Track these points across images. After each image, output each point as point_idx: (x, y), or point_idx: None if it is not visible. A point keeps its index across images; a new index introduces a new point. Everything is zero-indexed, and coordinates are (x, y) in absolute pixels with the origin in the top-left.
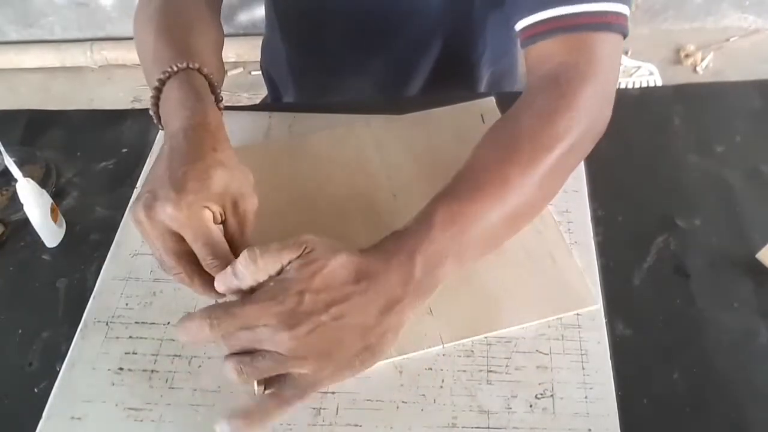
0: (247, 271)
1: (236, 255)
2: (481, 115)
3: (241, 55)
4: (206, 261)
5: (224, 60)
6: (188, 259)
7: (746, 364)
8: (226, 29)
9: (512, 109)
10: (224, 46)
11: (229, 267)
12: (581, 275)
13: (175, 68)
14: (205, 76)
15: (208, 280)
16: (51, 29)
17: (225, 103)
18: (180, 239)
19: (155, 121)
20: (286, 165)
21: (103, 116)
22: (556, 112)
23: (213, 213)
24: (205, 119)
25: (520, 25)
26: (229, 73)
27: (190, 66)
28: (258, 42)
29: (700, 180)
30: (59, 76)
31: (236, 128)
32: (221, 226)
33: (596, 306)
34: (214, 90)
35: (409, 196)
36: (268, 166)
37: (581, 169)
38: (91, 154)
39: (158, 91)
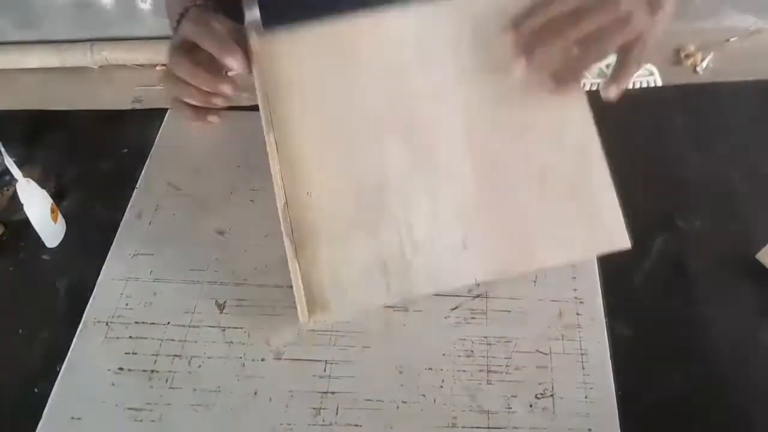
0: None
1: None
2: None
3: None
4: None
5: None
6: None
7: (746, 364)
8: None
9: None
10: None
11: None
12: (618, 212)
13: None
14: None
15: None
16: (51, 30)
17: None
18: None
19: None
20: (311, 71)
21: (103, 116)
22: None
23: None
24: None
25: None
26: (228, 74)
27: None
28: None
29: (700, 180)
30: (59, 77)
31: (236, 128)
32: None
33: (625, 245)
34: None
35: (452, 103)
36: (294, 71)
37: None
38: (91, 154)
39: (178, 23)
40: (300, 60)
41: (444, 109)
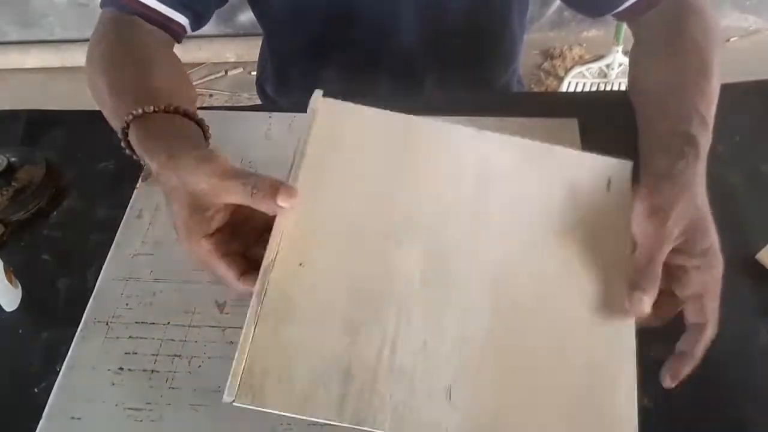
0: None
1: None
2: (609, 179)
3: (241, 55)
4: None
5: (224, 60)
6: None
7: (746, 364)
8: (225, 29)
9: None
10: (224, 46)
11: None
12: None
13: (140, 111)
14: (187, 114)
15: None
16: (51, 29)
17: (225, 103)
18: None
19: (128, 152)
20: (363, 148)
21: (104, 116)
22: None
23: (212, 238)
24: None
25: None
26: (229, 74)
27: (156, 109)
28: (258, 42)
29: None
30: (59, 76)
31: (236, 128)
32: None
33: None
34: (201, 126)
35: (491, 237)
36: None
37: None
38: (91, 154)
39: (125, 132)
40: (356, 133)
41: (481, 239)
